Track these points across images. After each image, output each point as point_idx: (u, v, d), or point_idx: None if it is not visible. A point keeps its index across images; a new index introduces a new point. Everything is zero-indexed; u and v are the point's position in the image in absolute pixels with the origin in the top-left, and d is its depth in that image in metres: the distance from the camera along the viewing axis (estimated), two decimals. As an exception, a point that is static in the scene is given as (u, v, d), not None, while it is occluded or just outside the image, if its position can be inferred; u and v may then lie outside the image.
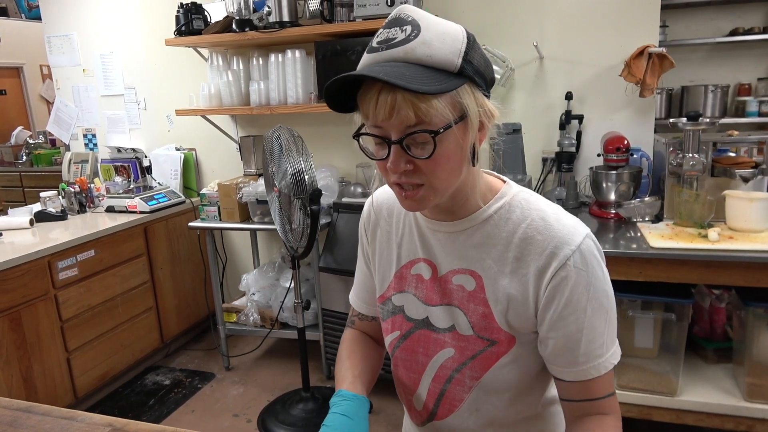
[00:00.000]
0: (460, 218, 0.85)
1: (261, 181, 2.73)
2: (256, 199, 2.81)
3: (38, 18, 3.90)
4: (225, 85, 2.98)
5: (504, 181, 0.89)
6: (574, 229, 0.80)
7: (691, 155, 2.12)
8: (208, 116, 3.19)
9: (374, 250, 0.99)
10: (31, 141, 5.63)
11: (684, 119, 2.12)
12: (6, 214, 3.08)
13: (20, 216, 2.96)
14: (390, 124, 0.72)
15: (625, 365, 2.22)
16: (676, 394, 2.11)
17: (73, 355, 2.66)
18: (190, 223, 3.03)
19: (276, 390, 2.92)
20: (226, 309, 3.16)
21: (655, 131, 2.67)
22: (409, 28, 0.72)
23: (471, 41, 0.75)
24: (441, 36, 0.72)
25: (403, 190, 0.77)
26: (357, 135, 0.77)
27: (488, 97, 0.78)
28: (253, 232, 3.41)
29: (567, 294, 0.78)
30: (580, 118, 2.69)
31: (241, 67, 3.04)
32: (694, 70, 3.39)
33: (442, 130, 0.71)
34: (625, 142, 2.38)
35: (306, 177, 2.28)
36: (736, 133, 2.39)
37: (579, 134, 2.71)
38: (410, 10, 0.74)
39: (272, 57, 2.86)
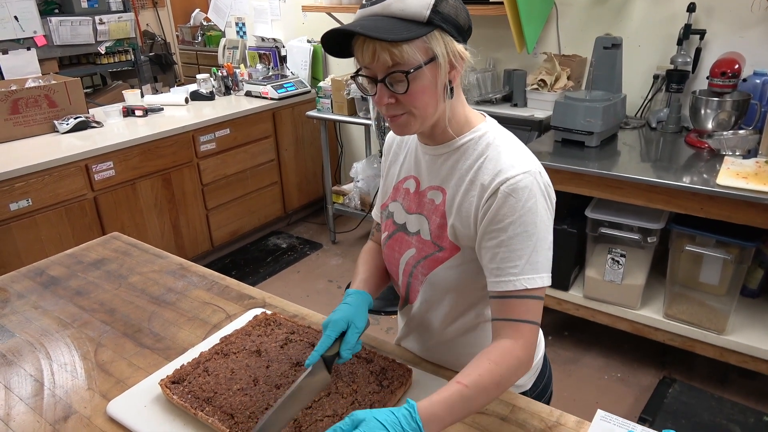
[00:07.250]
0: (440, 144, 1.04)
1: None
2: (361, 96, 3.07)
3: None
4: (345, -17, 3.16)
5: (485, 117, 1.05)
6: (519, 165, 0.94)
7: (799, 88, 1.90)
8: (332, 13, 3.42)
9: (388, 167, 1.21)
10: (205, 23, 6.36)
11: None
12: (169, 91, 3.72)
13: (179, 94, 3.57)
14: (374, 67, 0.92)
15: (681, 296, 2.23)
16: (724, 332, 2.10)
17: (211, 212, 3.31)
18: (308, 112, 3.41)
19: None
20: (334, 191, 3.59)
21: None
22: None
23: None
24: None
25: (390, 117, 0.98)
26: (354, 75, 0.98)
27: (461, 41, 0.93)
28: (367, 125, 3.71)
29: (492, 213, 0.94)
30: (702, 33, 2.45)
31: (362, -36, 3.17)
32: None
33: (413, 70, 0.89)
34: (736, 66, 2.17)
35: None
36: None
37: (698, 51, 2.48)
38: None
39: (387, -43, 2.94)
